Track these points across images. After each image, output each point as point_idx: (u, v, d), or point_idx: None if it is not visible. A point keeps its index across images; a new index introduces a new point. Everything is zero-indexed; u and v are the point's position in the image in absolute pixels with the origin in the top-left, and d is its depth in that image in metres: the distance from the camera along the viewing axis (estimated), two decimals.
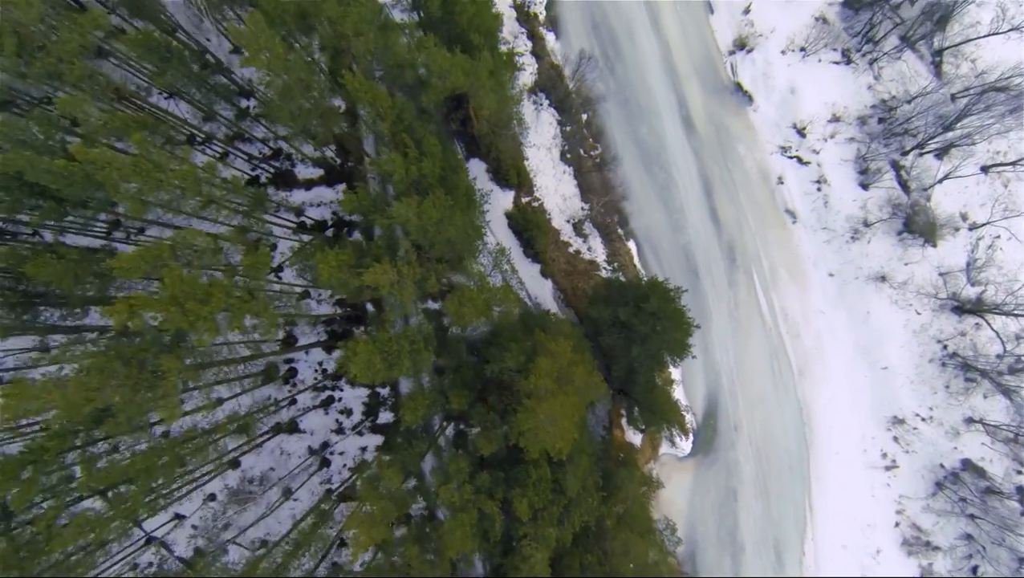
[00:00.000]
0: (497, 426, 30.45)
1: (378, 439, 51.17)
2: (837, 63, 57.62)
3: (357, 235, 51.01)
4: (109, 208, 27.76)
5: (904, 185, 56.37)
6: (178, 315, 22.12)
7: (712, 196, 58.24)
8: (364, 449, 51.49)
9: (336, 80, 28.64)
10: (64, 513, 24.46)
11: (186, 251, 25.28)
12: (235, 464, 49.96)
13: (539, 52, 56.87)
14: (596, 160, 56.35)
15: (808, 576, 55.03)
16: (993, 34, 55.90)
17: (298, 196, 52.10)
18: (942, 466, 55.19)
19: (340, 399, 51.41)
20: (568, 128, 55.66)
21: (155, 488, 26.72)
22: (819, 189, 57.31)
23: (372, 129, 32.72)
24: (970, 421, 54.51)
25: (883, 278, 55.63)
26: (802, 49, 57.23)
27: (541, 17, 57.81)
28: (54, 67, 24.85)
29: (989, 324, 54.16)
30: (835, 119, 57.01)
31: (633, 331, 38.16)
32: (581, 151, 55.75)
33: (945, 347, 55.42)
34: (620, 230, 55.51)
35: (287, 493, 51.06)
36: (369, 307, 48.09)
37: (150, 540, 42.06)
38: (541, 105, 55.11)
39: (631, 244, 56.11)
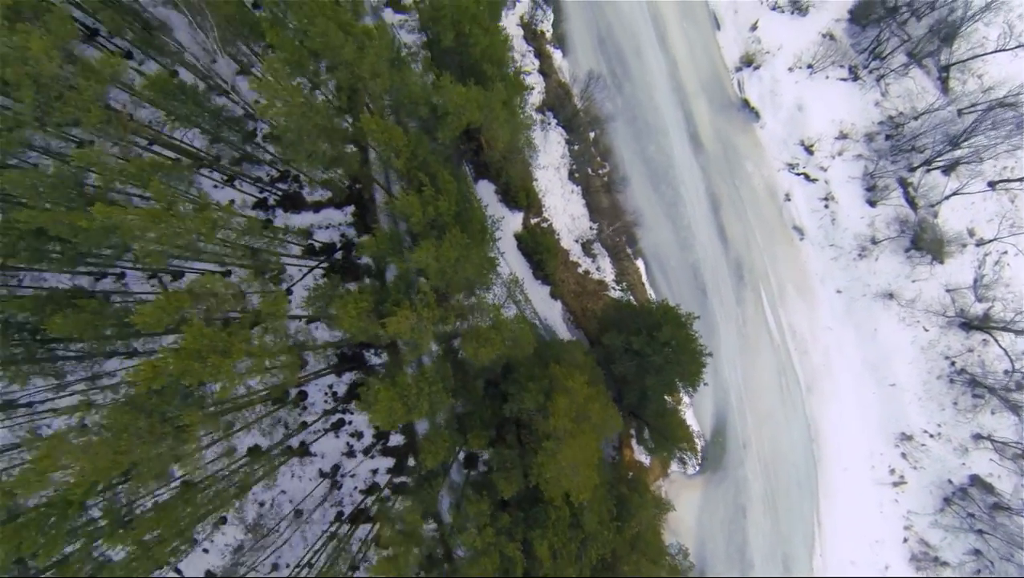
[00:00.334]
0: (516, 466, 30.46)
1: (389, 461, 51.30)
2: (844, 80, 57.57)
3: (367, 259, 50.99)
4: (125, 253, 27.65)
5: (911, 202, 56.41)
6: (201, 369, 22.09)
7: (720, 213, 58.24)
8: (375, 471, 51.57)
9: (352, 121, 28.55)
10: (88, 564, 24.47)
11: (207, 298, 25.22)
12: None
13: (546, 70, 56.71)
14: (604, 179, 56.29)
15: None
16: (1000, 51, 55.87)
17: (306, 218, 51.96)
18: (950, 482, 55.42)
19: (350, 422, 51.46)
20: (576, 147, 55.57)
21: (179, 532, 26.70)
22: (827, 206, 57.33)
23: (385, 164, 32.52)
24: (978, 437, 54.72)
25: (891, 295, 55.72)
26: (809, 66, 57.15)
27: (548, 35, 57.61)
28: (72, 115, 24.72)
29: (997, 341, 54.31)
30: (842, 136, 56.99)
31: (646, 359, 38.21)
32: (589, 170, 55.67)
33: (953, 364, 55.58)
34: (629, 249, 55.48)
35: (298, 515, 51.17)
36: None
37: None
38: (549, 124, 54.99)
39: (639, 263, 56.09)
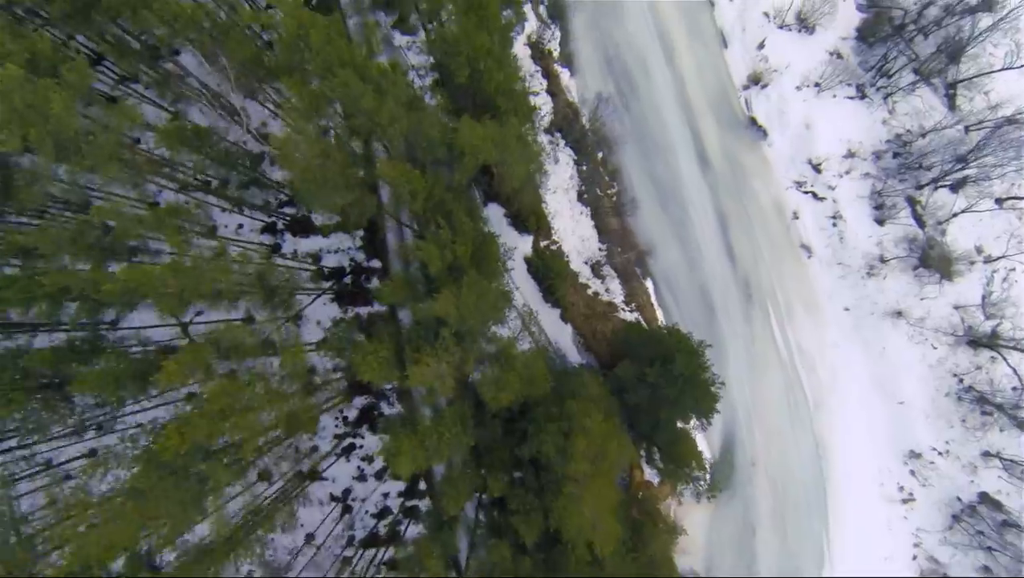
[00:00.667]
0: (536, 509, 30.56)
1: (400, 485, 51.40)
2: (852, 98, 57.55)
3: (377, 281, 50.93)
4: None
5: (919, 220, 56.48)
6: (226, 427, 22.08)
7: (728, 231, 58.26)
8: (386, 495, 51.69)
9: (367, 167, 28.53)
10: None
11: (229, 348, 25.18)
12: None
13: (554, 90, 56.58)
14: (613, 199, 56.25)
15: None
16: (1007, 68, 55.86)
17: (316, 242, 51.87)
18: (959, 499, 55.62)
19: (361, 446, 51.52)
20: (584, 167, 55.51)
21: None
22: (834, 224, 57.39)
23: (401, 204, 32.47)
24: (987, 455, 54.92)
25: (899, 313, 55.84)
26: (817, 84, 57.10)
27: (556, 54, 57.47)
28: (90, 167, 24.63)
29: (1005, 359, 54.48)
30: (850, 154, 56.99)
31: (660, 391, 38.28)
32: (598, 191, 55.63)
33: (961, 381, 55.74)
34: (637, 269, 55.49)
35: (309, 539, 51.28)
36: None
37: None
38: (557, 145, 54.90)
39: (648, 283, 56.10)
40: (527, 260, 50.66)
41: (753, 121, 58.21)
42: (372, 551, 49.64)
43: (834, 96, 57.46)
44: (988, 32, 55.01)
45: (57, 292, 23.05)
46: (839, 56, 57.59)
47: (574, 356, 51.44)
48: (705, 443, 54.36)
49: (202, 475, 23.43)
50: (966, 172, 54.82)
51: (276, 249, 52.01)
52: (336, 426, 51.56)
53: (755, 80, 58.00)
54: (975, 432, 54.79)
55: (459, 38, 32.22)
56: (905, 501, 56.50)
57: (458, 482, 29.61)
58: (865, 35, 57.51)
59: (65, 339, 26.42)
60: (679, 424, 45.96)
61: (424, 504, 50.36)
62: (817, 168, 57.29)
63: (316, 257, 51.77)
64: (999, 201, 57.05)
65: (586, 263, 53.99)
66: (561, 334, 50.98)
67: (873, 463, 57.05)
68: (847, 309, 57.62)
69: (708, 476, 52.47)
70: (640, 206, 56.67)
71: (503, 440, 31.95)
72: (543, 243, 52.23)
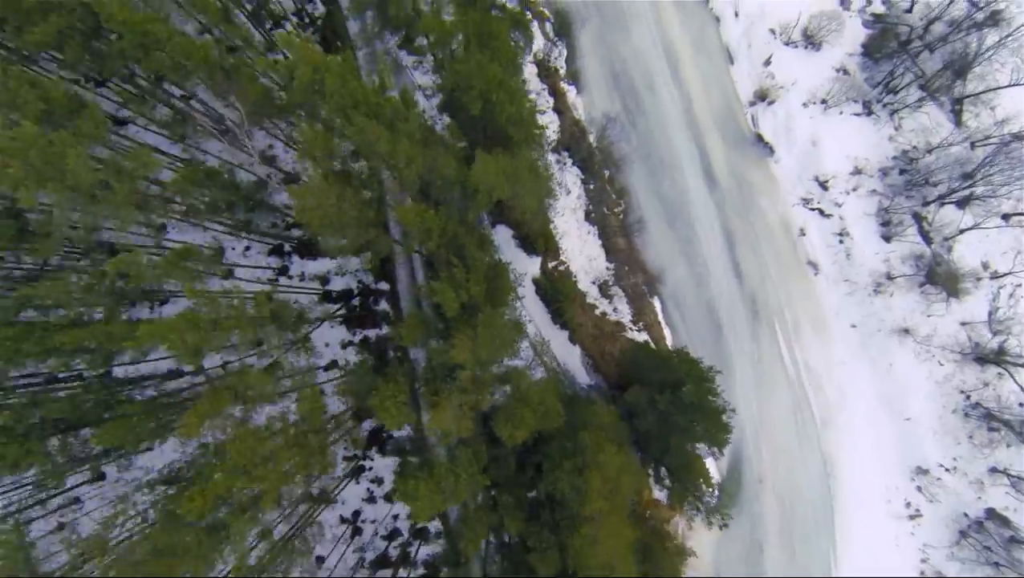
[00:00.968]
0: (552, 546, 30.61)
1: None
2: (858, 115, 57.48)
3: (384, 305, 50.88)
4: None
5: (926, 237, 56.49)
6: (246, 481, 22.07)
7: (734, 249, 58.24)
8: (396, 517, 51.72)
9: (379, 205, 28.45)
10: None
11: (247, 392, 25.15)
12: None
13: (561, 108, 56.39)
14: (620, 217, 56.17)
15: None
16: (1014, 85, 55.82)
17: (323, 264, 51.76)
18: (966, 515, 55.81)
19: (371, 468, 51.55)
20: (592, 186, 55.41)
21: None
22: (841, 241, 57.39)
23: (414, 243, 32.34)
24: (994, 471, 55.08)
25: (906, 331, 55.88)
26: (823, 101, 57.02)
27: (562, 72, 57.29)
28: (104, 216, 24.53)
29: (1012, 376, 54.59)
30: (857, 171, 56.96)
31: (670, 418, 38.31)
32: (605, 209, 55.54)
33: (968, 397, 55.86)
34: (645, 288, 55.46)
35: (319, 561, 51.29)
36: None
37: None
38: (564, 164, 54.78)
39: (655, 301, 56.08)
40: (535, 281, 50.58)
41: (760, 138, 58.12)
42: (385, 572, 49.70)
43: (841, 113, 57.40)
44: (994, 48, 54.94)
45: (73, 347, 23.02)
46: (845, 72, 57.50)
47: (583, 377, 51.45)
48: (714, 466, 54.39)
49: (221, 524, 23.43)
50: (973, 189, 54.80)
51: (283, 271, 51.96)
52: (345, 449, 51.54)
53: (761, 97, 57.89)
54: (982, 448, 54.94)
55: (473, 73, 32.08)
56: (912, 517, 56.68)
57: (474, 522, 29.68)
58: (871, 51, 57.41)
59: (80, 385, 26.40)
60: (688, 448, 46.01)
61: (434, 526, 50.45)
62: (824, 185, 57.25)
63: (324, 279, 51.64)
64: (1005, 217, 57.06)
65: (594, 283, 53.95)
66: (570, 356, 50.97)
67: (880, 480, 57.20)
68: (854, 326, 57.67)
69: (716, 496, 52.52)
70: (647, 225, 56.65)
71: (516, 476, 31.98)
72: (551, 264, 52.16)
